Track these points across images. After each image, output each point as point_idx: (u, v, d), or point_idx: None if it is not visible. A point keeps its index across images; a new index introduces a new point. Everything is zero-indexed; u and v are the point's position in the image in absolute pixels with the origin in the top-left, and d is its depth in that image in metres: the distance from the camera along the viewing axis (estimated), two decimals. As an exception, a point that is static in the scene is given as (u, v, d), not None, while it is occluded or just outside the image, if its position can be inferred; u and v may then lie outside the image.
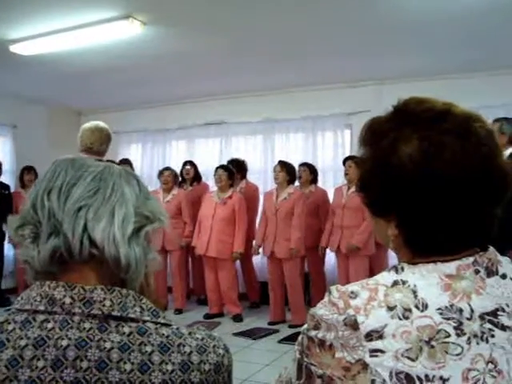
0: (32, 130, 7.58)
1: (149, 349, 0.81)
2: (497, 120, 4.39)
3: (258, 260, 6.67)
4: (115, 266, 0.84)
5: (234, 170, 6.54)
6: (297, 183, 6.27)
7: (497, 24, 4.62)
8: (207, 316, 6.15)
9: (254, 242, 6.20)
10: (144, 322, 0.84)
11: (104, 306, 0.81)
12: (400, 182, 0.87)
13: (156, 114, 7.87)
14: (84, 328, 0.80)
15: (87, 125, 4.01)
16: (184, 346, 0.84)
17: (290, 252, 5.70)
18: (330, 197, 6.09)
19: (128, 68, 5.96)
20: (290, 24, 4.73)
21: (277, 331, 5.48)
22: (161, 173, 6.68)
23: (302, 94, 6.84)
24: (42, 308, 0.80)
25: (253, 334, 5.41)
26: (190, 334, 0.87)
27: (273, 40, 5.14)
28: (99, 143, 3.94)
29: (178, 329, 0.87)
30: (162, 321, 0.86)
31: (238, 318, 6.03)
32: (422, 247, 0.89)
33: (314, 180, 6.41)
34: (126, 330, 0.81)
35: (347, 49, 5.41)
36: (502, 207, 0.91)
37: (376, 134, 0.93)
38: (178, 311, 6.44)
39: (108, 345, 0.79)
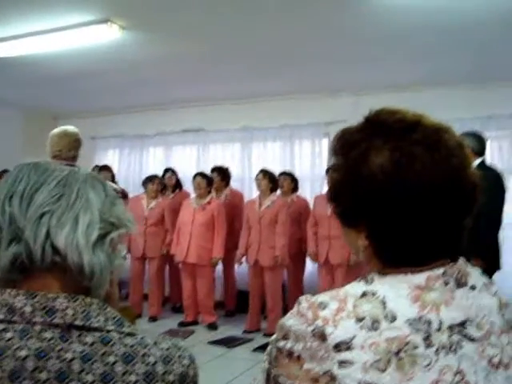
0: (6, 134, 7.44)
1: (112, 359, 0.78)
2: (460, 135, 4.42)
3: (238, 269, 6.64)
4: (79, 273, 0.82)
5: (219, 177, 6.54)
6: (278, 192, 6.29)
7: (474, 38, 4.70)
8: (182, 324, 6.10)
9: (238, 251, 6.18)
10: (108, 331, 0.81)
11: (66, 314, 0.79)
12: (370, 193, 0.87)
13: (134, 120, 7.82)
14: (45, 338, 0.77)
15: (55, 130, 3.91)
16: (148, 356, 0.82)
17: (274, 260, 5.69)
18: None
19: (106, 72, 5.92)
20: (268, 33, 4.75)
21: (251, 340, 5.45)
22: (150, 180, 6.62)
23: (280, 103, 6.86)
24: (1, 317, 0.78)
25: (227, 343, 5.38)
26: (155, 343, 0.85)
27: (251, 48, 5.15)
28: (67, 149, 3.81)
29: (142, 338, 0.84)
30: (127, 330, 0.84)
31: (212, 327, 5.99)
32: (392, 258, 0.89)
33: (295, 189, 6.43)
34: (89, 339, 0.79)
35: (326, 59, 5.44)
36: (472, 218, 0.91)
37: (347, 145, 0.92)
38: (153, 319, 6.37)
39: (69, 355, 0.76)
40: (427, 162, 0.84)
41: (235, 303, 6.71)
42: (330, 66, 5.68)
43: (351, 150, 0.91)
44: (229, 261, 6.37)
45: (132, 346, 0.82)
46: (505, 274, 4.90)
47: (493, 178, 4.29)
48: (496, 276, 4.36)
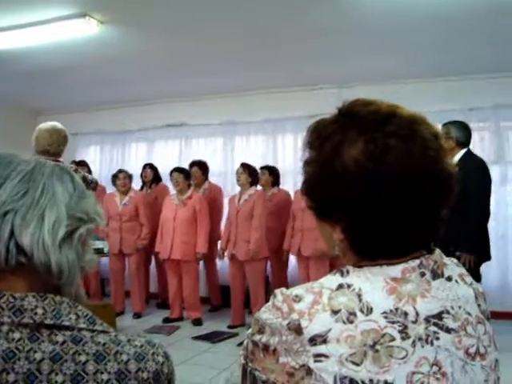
0: (-15, 130, 7.34)
1: (83, 358, 0.77)
2: (444, 124, 4.42)
3: (220, 263, 6.63)
4: (46, 272, 0.80)
5: (200, 171, 6.53)
6: (259, 186, 6.29)
7: (458, 31, 4.72)
8: (167, 320, 6.08)
9: (219, 246, 6.16)
10: (79, 329, 0.80)
11: (36, 314, 0.77)
12: (344, 186, 0.85)
13: (115, 116, 7.75)
14: (13, 338, 0.75)
15: (44, 125, 3.90)
16: (121, 354, 0.81)
17: (247, 253, 5.69)
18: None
19: (86, 68, 5.85)
20: (251, 26, 4.73)
21: (236, 335, 5.45)
22: (115, 176, 6.59)
23: (262, 97, 6.84)
24: None
25: (212, 338, 5.37)
26: (128, 341, 0.83)
27: (233, 42, 5.12)
28: (57, 145, 3.86)
29: (116, 336, 0.83)
30: (100, 328, 0.82)
31: (197, 322, 5.97)
32: (368, 251, 0.88)
33: (276, 182, 6.41)
34: (60, 338, 0.77)
35: (308, 52, 5.43)
36: (448, 209, 0.90)
37: (321, 137, 0.91)
38: (137, 315, 6.34)
39: (38, 356, 0.75)
40: (402, 153, 0.83)
41: (220, 298, 6.70)
42: (312, 59, 5.66)
43: (324, 142, 0.89)
44: (209, 256, 6.34)
45: (104, 345, 0.80)
46: (489, 264, 4.96)
47: (479, 168, 4.29)
48: (481, 266, 4.39)
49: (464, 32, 4.75)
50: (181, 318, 6.13)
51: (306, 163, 0.94)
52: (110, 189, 6.87)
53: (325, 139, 0.89)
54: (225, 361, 4.51)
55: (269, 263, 6.26)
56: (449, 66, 5.78)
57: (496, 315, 5.30)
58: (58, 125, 3.95)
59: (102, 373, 0.77)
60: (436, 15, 4.36)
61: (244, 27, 4.75)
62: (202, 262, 6.48)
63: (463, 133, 4.34)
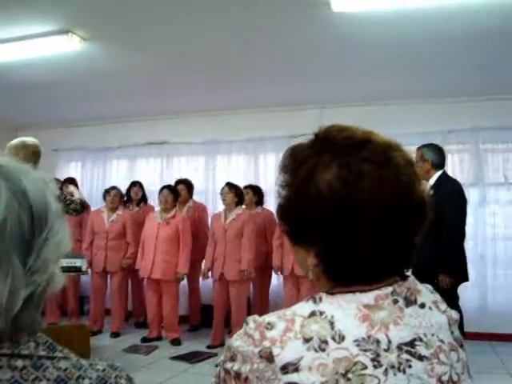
0: (-36, 145, 7.24)
1: None
2: (418, 148, 4.47)
3: (202, 282, 6.57)
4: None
5: (186, 190, 6.52)
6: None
7: (438, 55, 4.80)
8: (145, 340, 6.00)
9: (203, 265, 6.11)
10: (39, 357, 0.77)
11: None
12: (318, 210, 0.85)
13: (96, 132, 7.71)
14: None
15: (14, 141, 3.83)
16: (83, 378, 0.79)
17: (240, 274, 5.67)
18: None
19: (67, 84, 5.82)
20: (235, 45, 4.75)
21: (215, 355, 5.39)
22: (107, 192, 6.55)
23: (244, 116, 6.86)
24: None
25: (191, 358, 5.31)
26: (90, 365, 0.81)
27: (215, 62, 5.14)
28: (26, 161, 3.74)
29: (77, 361, 0.81)
30: (60, 355, 0.79)
31: (176, 342, 5.90)
32: (341, 277, 0.87)
33: (260, 202, 6.41)
34: (20, 363, 0.74)
35: (289, 73, 5.47)
36: (421, 236, 0.90)
37: (296, 161, 0.91)
38: (115, 334, 6.25)
39: None
40: (375, 179, 0.83)
41: (200, 318, 6.63)
42: (294, 79, 5.71)
43: (300, 166, 0.89)
44: (193, 275, 6.31)
45: (66, 370, 0.78)
46: (468, 285, 4.98)
47: (454, 190, 4.34)
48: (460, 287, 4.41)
49: (444, 56, 4.83)
50: (159, 338, 6.05)
51: (281, 187, 0.93)
52: (93, 206, 6.83)
53: (300, 163, 0.90)
54: (203, 382, 4.44)
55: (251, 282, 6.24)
56: (429, 88, 5.87)
57: (474, 336, 5.35)
58: (27, 140, 3.85)
59: None
60: (418, 39, 4.43)
61: (228, 46, 4.77)
62: (185, 281, 6.44)
63: (437, 155, 4.39)
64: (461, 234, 4.35)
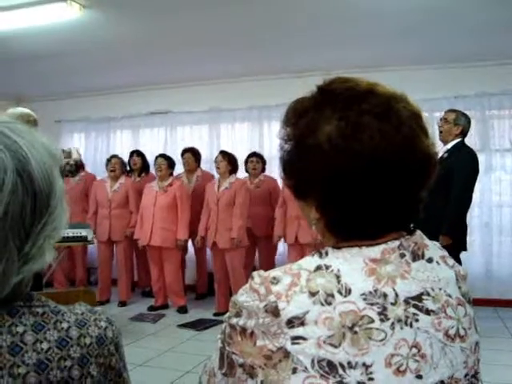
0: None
1: (20, 329, 0.75)
2: (453, 110, 4.55)
3: (207, 250, 6.61)
4: None
5: (193, 158, 6.51)
6: (245, 174, 6.30)
7: (443, 19, 4.72)
8: (151, 308, 6.06)
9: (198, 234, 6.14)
10: (16, 306, 0.77)
11: None
12: (317, 164, 0.84)
13: (99, 103, 7.67)
14: None
15: (9, 111, 3.67)
16: (61, 322, 0.79)
17: (231, 242, 5.67)
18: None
19: (69, 54, 5.75)
20: (237, 13, 4.68)
21: (222, 322, 5.42)
22: (108, 160, 6.55)
23: (247, 84, 6.81)
24: None
25: (197, 326, 5.36)
26: (69, 310, 0.82)
27: (220, 29, 5.07)
28: None
29: (55, 307, 0.81)
30: (37, 303, 0.79)
31: (182, 310, 5.96)
32: (345, 231, 0.86)
33: (263, 169, 6.41)
34: None
35: (294, 39, 5.40)
36: (428, 191, 0.89)
37: (297, 114, 0.89)
38: (122, 304, 6.31)
39: None
40: (375, 131, 0.81)
41: (206, 286, 6.68)
42: (298, 46, 5.64)
43: (300, 119, 0.88)
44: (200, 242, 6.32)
45: (43, 314, 0.78)
46: (473, 252, 5.00)
47: (470, 159, 4.37)
48: (463, 254, 4.42)
49: (449, 20, 4.76)
50: (165, 306, 6.11)
51: (283, 140, 0.92)
52: (97, 176, 6.87)
53: (300, 116, 0.88)
54: (210, 348, 4.48)
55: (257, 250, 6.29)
56: (434, 53, 5.79)
57: (480, 302, 5.38)
58: (24, 110, 3.73)
59: (41, 342, 0.75)
60: (420, 3, 4.35)
61: (230, 14, 4.70)
62: (192, 249, 6.47)
63: (468, 126, 4.52)
64: (466, 202, 4.36)
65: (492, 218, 6.13)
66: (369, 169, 0.81)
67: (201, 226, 6.01)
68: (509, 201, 6.12)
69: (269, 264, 6.27)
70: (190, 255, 6.62)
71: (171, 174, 6.16)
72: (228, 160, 5.88)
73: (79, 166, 4.20)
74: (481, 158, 5.95)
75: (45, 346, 0.75)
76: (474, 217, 5.88)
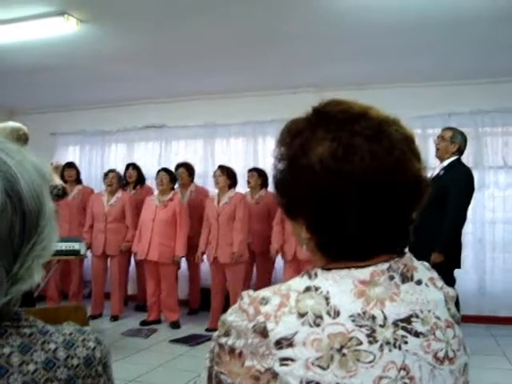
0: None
1: (7, 351, 0.74)
2: (450, 128, 4.59)
3: (202, 266, 6.58)
4: None
5: (187, 173, 6.52)
6: (247, 189, 6.29)
7: (437, 37, 4.76)
8: (144, 323, 6.02)
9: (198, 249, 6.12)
10: (4, 326, 0.76)
11: None
12: (309, 184, 0.85)
13: (95, 116, 7.67)
14: None
15: None
16: (49, 342, 0.78)
17: (232, 256, 5.66)
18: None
19: (64, 67, 5.77)
20: (235, 29, 4.71)
21: (214, 338, 5.40)
22: (105, 175, 6.53)
23: (243, 99, 6.83)
24: None
25: (190, 341, 5.33)
26: (57, 330, 0.81)
27: (215, 44, 5.09)
28: None
29: (43, 327, 0.80)
30: (25, 323, 0.79)
31: (175, 325, 5.92)
32: (335, 252, 0.87)
33: (265, 184, 6.38)
34: None
35: (288, 55, 5.43)
36: (418, 213, 0.89)
37: (291, 134, 0.91)
38: (114, 318, 6.27)
39: None
40: (365, 153, 0.82)
41: (199, 301, 6.65)
42: (293, 62, 5.67)
43: (294, 139, 0.89)
44: (194, 258, 6.30)
45: (30, 335, 0.77)
46: (466, 269, 4.99)
47: (466, 177, 4.40)
48: (455, 271, 4.42)
49: (442, 38, 4.80)
50: (158, 321, 6.07)
51: (277, 159, 0.93)
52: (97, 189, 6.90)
53: (294, 136, 0.89)
54: (201, 364, 4.47)
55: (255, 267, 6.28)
56: (428, 71, 5.83)
57: (472, 319, 5.38)
58: (15, 125, 3.70)
59: (27, 364, 0.74)
60: (414, 21, 4.40)
61: (227, 30, 4.72)
62: (185, 264, 6.45)
63: (464, 144, 4.57)
64: (461, 220, 4.38)
65: (485, 235, 6.14)
66: (359, 190, 0.82)
67: (202, 242, 5.97)
68: (502, 217, 6.14)
69: (266, 280, 6.24)
70: (182, 270, 6.60)
71: (172, 189, 6.14)
72: (227, 174, 5.89)
73: (66, 193, 4.14)
74: (474, 175, 6.01)
75: (31, 367, 0.74)
76: (467, 233, 5.88)
